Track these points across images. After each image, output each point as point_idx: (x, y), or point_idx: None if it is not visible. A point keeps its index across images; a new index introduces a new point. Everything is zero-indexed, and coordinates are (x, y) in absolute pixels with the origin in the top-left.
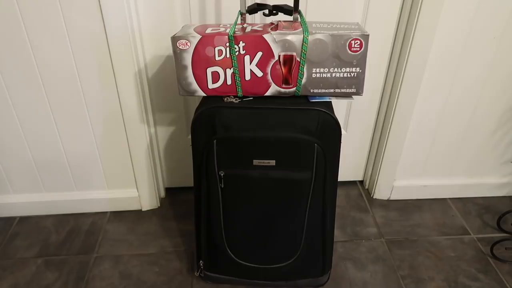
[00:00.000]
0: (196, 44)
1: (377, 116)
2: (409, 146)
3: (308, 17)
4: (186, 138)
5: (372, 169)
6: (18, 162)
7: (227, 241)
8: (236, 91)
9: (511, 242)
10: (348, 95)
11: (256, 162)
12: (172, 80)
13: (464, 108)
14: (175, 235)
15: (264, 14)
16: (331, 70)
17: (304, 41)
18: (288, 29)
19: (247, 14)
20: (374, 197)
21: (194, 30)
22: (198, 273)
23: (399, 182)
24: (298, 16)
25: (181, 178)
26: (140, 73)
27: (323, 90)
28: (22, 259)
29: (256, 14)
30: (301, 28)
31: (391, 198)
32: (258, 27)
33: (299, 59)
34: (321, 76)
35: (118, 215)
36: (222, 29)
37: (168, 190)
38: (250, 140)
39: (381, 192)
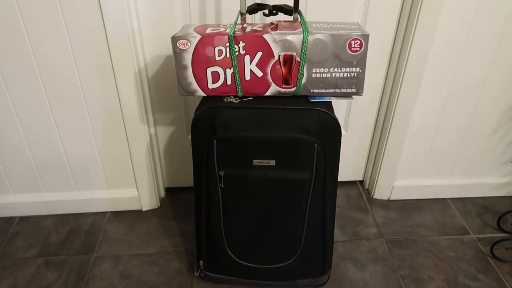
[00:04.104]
0: (196, 44)
1: (377, 116)
2: (409, 146)
3: (308, 17)
4: (186, 138)
5: (372, 169)
6: (18, 162)
7: (227, 241)
8: (236, 91)
9: (511, 242)
10: (348, 95)
11: (256, 162)
12: (172, 80)
13: (464, 108)
14: (175, 235)
15: (264, 14)
16: (331, 70)
17: (304, 41)
18: (288, 29)
19: (247, 14)
20: (374, 197)
21: (194, 30)
22: (198, 273)
23: (399, 182)
24: (298, 16)
25: (181, 178)
26: (140, 73)
27: (323, 90)
28: (22, 259)
29: (256, 14)
30: (301, 28)
31: (391, 198)
32: (258, 27)
33: (299, 59)
34: (321, 76)
35: (118, 215)
36: (222, 29)
37: (168, 190)
38: (250, 140)
39: (381, 192)
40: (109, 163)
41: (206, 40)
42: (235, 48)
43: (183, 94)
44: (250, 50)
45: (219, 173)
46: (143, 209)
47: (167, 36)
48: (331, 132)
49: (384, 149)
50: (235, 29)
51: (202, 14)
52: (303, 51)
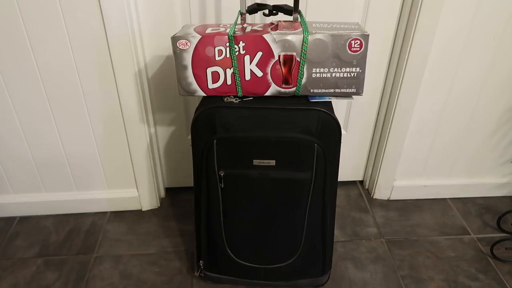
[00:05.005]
0: (196, 44)
1: (377, 116)
2: (409, 146)
3: (308, 17)
4: (186, 138)
5: (372, 169)
6: (18, 162)
7: (227, 241)
8: (236, 91)
9: (511, 242)
10: (348, 95)
11: (256, 162)
12: (172, 80)
13: (464, 108)
14: (175, 235)
15: (264, 14)
16: (331, 70)
17: (304, 41)
18: (288, 29)
19: (247, 14)
20: (374, 197)
21: (194, 30)
22: (198, 273)
23: (399, 182)
24: (298, 16)
25: (181, 178)
26: (140, 73)
27: (323, 90)
28: (22, 259)
29: (256, 14)
30: (301, 28)
31: (391, 198)
32: (258, 27)
33: (299, 59)
34: (321, 76)
35: (118, 215)
36: (222, 29)
37: (168, 190)
38: (250, 140)
39: (381, 192)
40: (109, 163)
41: (206, 40)
42: (235, 48)
43: (183, 94)
44: (250, 50)
45: (219, 173)
46: (143, 209)
47: (167, 36)
48: (331, 132)
49: (384, 149)
50: (235, 29)
51: (202, 14)
52: (303, 51)
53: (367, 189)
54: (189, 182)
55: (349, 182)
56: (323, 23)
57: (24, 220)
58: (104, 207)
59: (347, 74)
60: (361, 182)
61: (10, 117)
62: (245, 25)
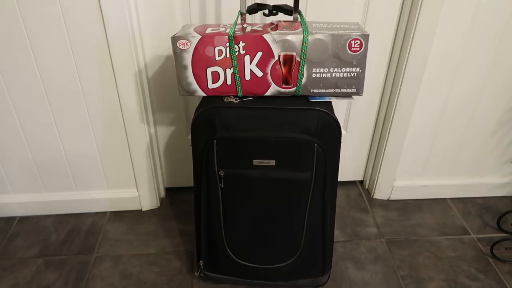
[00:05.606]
0: (196, 44)
1: (377, 116)
2: (409, 146)
3: (308, 17)
4: (186, 138)
5: (372, 169)
6: (18, 162)
7: (227, 241)
8: (236, 91)
9: (511, 242)
10: (348, 95)
11: (256, 162)
12: (172, 80)
13: (464, 108)
14: (175, 235)
15: (264, 14)
16: (331, 70)
17: (304, 41)
18: (288, 29)
19: (247, 14)
20: (374, 197)
21: (194, 30)
22: (198, 273)
23: (399, 182)
24: (298, 16)
25: (181, 178)
26: (140, 73)
27: (323, 90)
28: (22, 259)
29: (256, 14)
30: (301, 28)
31: (391, 198)
32: (258, 27)
33: (299, 59)
34: (321, 76)
35: (118, 215)
36: (222, 29)
37: (168, 190)
38: (250, 140)
39: (381, 192)
40: (109, 163)
41: (206, 40)
42: (235, 48)
43: (183, 94)
44: (250, 50)
45: (219, 173)
46: (143, 209)
47: (167, 36)
48: (331, 132)
49: (384, 149)
50: (235, 29)
51: (202, 14)
52: (303, 51)
53: (367, 189)
54: (189, 182)
55: (349, 182)
56: (323, 23)
57: (24, 220)
58: (104, 207)
59: (347, 74)
60: (361, 182)
61: (10, 117)
62: (245, 25)
